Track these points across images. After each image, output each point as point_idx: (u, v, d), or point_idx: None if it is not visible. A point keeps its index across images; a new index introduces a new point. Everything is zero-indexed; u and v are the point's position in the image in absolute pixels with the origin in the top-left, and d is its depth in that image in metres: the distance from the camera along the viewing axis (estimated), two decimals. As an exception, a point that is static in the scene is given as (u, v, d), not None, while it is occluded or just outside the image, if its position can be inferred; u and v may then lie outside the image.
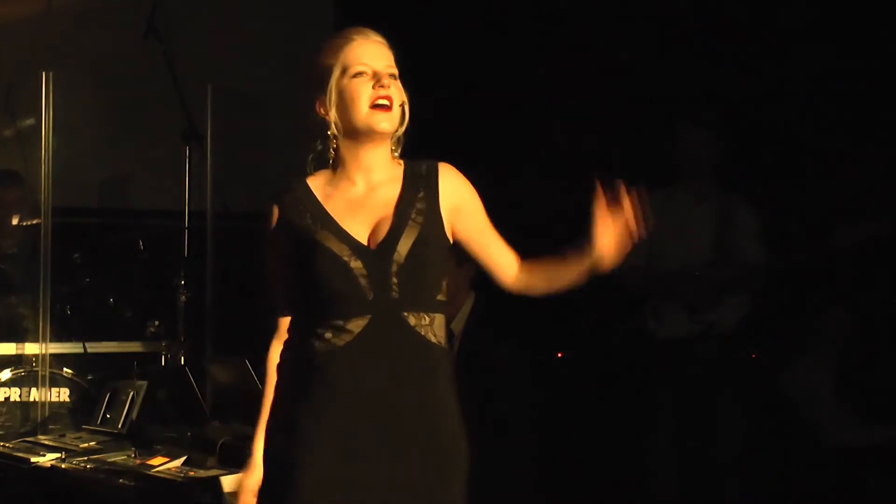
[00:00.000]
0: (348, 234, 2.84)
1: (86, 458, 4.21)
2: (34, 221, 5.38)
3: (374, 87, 2.84)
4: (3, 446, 4.59)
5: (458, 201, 2.97)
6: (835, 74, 5.68)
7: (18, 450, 4.49)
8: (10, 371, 5.25)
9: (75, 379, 5.29)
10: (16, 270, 5.59)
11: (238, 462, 3.85)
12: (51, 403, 5.17)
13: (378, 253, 2.83)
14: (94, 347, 5.47)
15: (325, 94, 2.87)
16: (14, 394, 5.24)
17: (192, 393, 4.90)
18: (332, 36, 2.94)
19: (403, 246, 2.84)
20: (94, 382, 5.27)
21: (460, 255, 4.25)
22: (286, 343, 2.92)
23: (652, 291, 5.49)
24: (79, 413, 5.13)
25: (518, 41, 6.45)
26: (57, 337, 5.29)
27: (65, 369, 5.29)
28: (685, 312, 5.39)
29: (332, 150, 2.89)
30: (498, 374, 4.61)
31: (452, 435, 2.91)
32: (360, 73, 2.85)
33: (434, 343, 2.87)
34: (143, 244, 5.68)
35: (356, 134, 2.87)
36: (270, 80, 6.81)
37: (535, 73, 6.36)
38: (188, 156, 5.92)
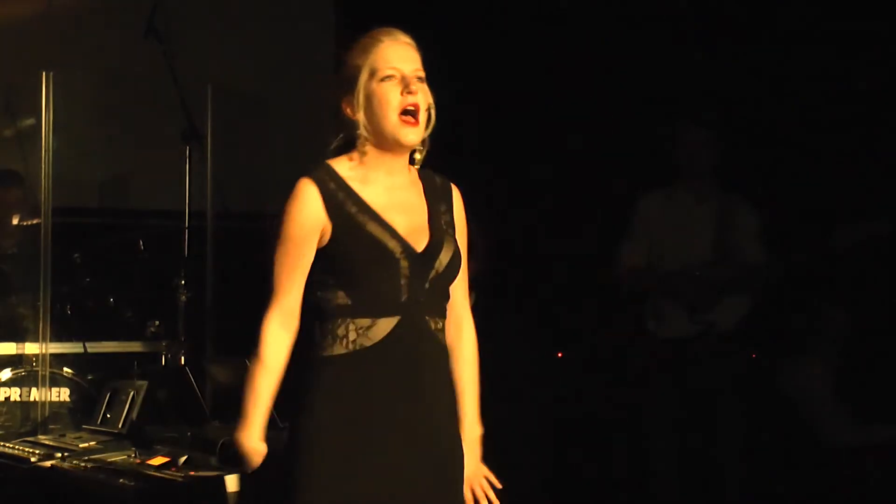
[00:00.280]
0: (396, 231, 2.86)
1: (86, 458, 4.21)
2: (34, 221, 5.37)
3: (402, 93, 2.86)
4: (4, 446, 4.58)
5: (460, 227, 3.01)
6: (835, 74, 5.68)
7: (19, 450, 4.48)
8: (11, 371, 5.25)
9: (75, 379, 5.29)
10: (16, 270, 5.59)
11: (239, 462, 3.86)
12: (51, 403, 5.16)
13: (424, 257, 2.87)
14: (95, 347, 5.47)
15: (353, 96, 2.88)
16: (14, 393, 5.24)
17: (193, 393, 4.90)
18: (361, 35, 2.95)
19: (445, 256, 2.90)
20: (94, 382, 5.27)
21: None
22: (305, 342, 2.90)
23: (652, 291, 5.49)
24: (79, 413, 5.13)
25: (518, 41, 6.45)
26: (57, 337, 5.29)
27: (65, 369, 5.29)
28: (685, 312, 5.39)
29: (361, 149, 2.89)
30: (498, 375, 4.61)
31: (458, 435, 2.97)
32: (388, 77, 2.87)
33: (445, 346, 2.93)
34: (143, 244, 5.67)
35: (383, 139, 2.88)
36: (271, 80, 6.82)
37: (534, 73, 6.36)
38: (188, 156, 5.92)
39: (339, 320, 2.82)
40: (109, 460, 4.15)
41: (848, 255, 5.24)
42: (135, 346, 5.42)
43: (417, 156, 2.94)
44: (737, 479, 5.38)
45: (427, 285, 2.86)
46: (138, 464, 4.03)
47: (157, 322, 5.37)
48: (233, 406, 4.47)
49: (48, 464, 4.26)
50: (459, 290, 3.02)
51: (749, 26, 5.92)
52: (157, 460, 4.01)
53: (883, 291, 5.67)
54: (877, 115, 5.58)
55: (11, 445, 4.57)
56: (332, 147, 2.94)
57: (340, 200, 2.85)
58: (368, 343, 2.81)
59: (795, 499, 5.49)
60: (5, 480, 4.41)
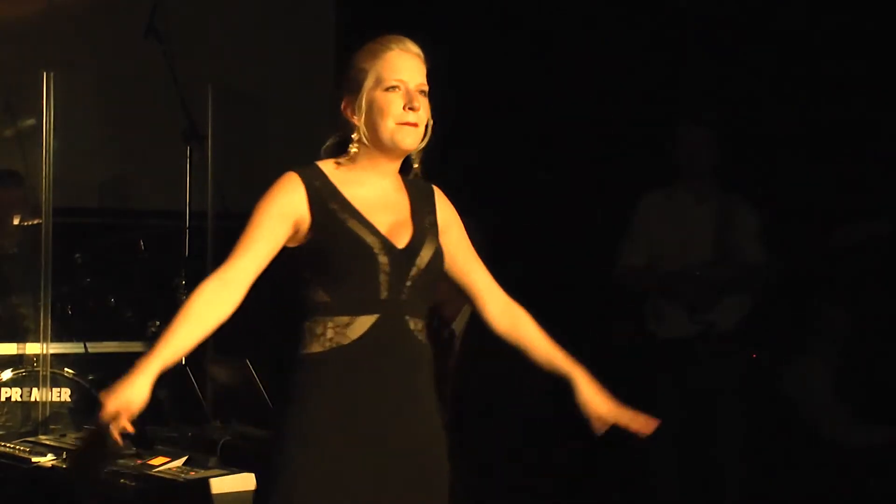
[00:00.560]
0: (377, 228, 2.86)
1: (86, 458, 4.20)
2: (35, 221, 5.37)
3: (404, 107, 2.87)
4: (4, 446, 4.58)
5: (447, 227, 3.01)
6: (835, 74, 5.68)
7: (19, 450, 4.48)
8: (11, 371, 5.24)
9: (76, 379, 5.29)
10: (16, 270, 5.59)
11: (240, 462, 3.86)
12: (52, 403, 5.16)
13: (405, 253, 2.86)
14: (95, 347, 5.47)
15: (355, 99, 2.89)
16: (15, 394, 5.24)
17: (193, 393, 4.90)
18: (370, 40, 2.95)
19: (426, 253, 2.90)
20: (95, 382, 5.27)
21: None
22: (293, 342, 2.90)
23: (652, 291, 5.49)
24: (80, 413, 5.12)
25: (518, 41, 6.46)
26: (58, 337, 5.28)
27: (66, 369, 5.28)
28: (685, 312, 5.39)
29: (354, 151, 2.90)
30: (498, 375, 4.61)
31: (441, 436, 2.95)
32: (393, 88, 2.87)
33: (427, 346, 2.91)
34: (143, 244, 5.67)
35: (380, 144, 2.89)
36: (271, 80, 6.82)
37: (535, 73, 6.37)
38: (189, 156, 5.92)
39: (319, 318, 2.82)
40: (110, 460, 4.14)
41: (848, 255, 5.25)
42: (136, 346, 5.42)
43: (416, 165, 2.95)
44: (737, 479, 5.38)
45: (409, 283, 2.85)
46: (139, 464, 4.03)
47: (157, 322, 5.37)
48: (233, 406, 4.49)
49: (49, 464, 4.26)
50: (487, 279, 3.05)
51: (749, 26, 5.93)
52: (158, 460, 4.01)
53: (883, 291, 5.67)
54: (877, 115, 5.58)
55: (12, 445, 4.56)
56: (327, 146, 2.96)
57: (323, 197, 2.85)
58: (346, 341, 2.80)
59: (795, 499, 5.50)
60: (6, 480, 4.41)
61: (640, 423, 3.16)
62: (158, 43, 6.05)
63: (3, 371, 5.24)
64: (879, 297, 5.67)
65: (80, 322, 5.55)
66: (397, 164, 2.95)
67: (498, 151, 6.39)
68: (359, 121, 2.88)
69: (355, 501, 2.79)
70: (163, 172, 6.39)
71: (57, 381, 5.23)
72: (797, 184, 5.74)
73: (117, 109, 6.65)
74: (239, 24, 6.98)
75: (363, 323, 2.81)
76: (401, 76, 2.88)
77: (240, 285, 2.81)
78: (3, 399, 5.23)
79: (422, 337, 2.89)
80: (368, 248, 2.82)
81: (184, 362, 5.24)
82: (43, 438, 4.65)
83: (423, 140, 2.92)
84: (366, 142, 2.89)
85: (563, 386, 3.14)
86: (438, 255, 2.92)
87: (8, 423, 5.15)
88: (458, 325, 4.77)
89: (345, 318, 2.81)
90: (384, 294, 2.82)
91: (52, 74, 5.25)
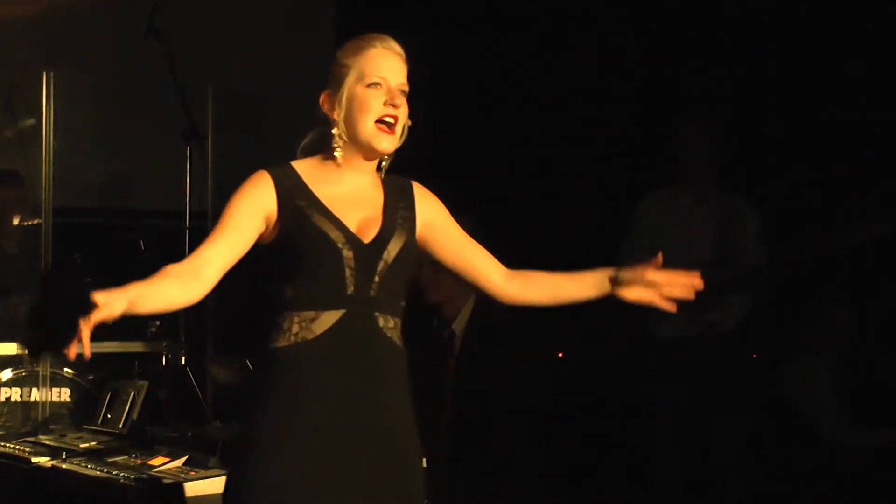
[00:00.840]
0: (343, 223, 2.85)
1: (86, 458, 4.21)
2: (35, 221, 5.37)
3: (384, 104, 2.87)
4: (4, 446, 4.58)
5: (432, 217, 3.01)
6: (835, 74, 5.68)
7: (19, 450, 4.48)
8: (11, 371, 5.24)
9: (76, 379, 5.29)
10: (16, 270, 5.59)
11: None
12: (52, 403, 5.16)
13: (370, 247, 2.85)
14: (95, 347, 5.43)
15: (335, 94, 2.90)
16: (15, 394, 5.23)
17: (193, 393, 4.90)
18: (355, 37, 2.95)
19: (394, 247, 2.88)
20: (94, 382, 5.26)
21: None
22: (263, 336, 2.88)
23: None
24: (80, 413, 5.12)
25: (518, 41, 6.45)
26: (58, 337, 5.27)
27: (66, 369, 5.28)
28: (685, 312, 5.39)
29: (334, 147, 2.90)
30: (499, 375, 4.62)
31: (412, 436, 2.92)
32: (375, 84, 2.88)
33: (399, 347, 2.89)
34: (143, 244, 5.67)
35: (356, 142, 2.90)
36: (271, 79, 6.82)
37: (536, 73, 6.36)
38: (189, 156, 5.91)
39: (286, 313, 2.82)
40: (110, 460, 4.15)
41: (848, 256, 5.25)
42: (135, 347, 5.41)
43: (384, 164, 2.95)
44: (737, 479, 5.38)
45: (377, 279, 2.84)
46: (139, 464, 4.03)
47: (157, 322, 5.36)
48: (233, 406, 4.49)
49: (49, 464, 4.26)
50: (486, 257, 3.03)
51: (749, 26, 5.93)
52: (158, 460, 4.00)
53: (883, 291, 5.67)
54: (877, 115, 5.58)
55: (12, 445, 4.56)
56: (304, 144, 2.97)
57: (292, 194, 2.86)
58: (310, 336, 2.79)
59: (796, 499, 5.50)
60: (6, 480, 4.41)
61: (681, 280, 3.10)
62: (158, 43, 6.04)
63: (2, 371, 5.24)
64: (879, 298, 5.67)
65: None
66: (373, 163, 2.95)
67: (498, 151, 6.39)
68: (338, 116, 2.89)
69: (318, 497, 2.77)
70: (163, 172, 6.39)
71: (57, 381, 5.22)
72: (797, 184, 5.74)
73: (118, 109, 6.65)
74: (239, 24, 6.99)
75: (328, 318, 2.80)
76: (383, 73, 2.88)
77: (196, 276, 2.78)
78: (2, 399, 5.23)
79: (393, 335, 2.87)
80: (332, 242, 2.81)
81: (184, 362, 5.24)
82: (43, 438, 4.65)
83: (398, 141, 2.92)
84: (344, 137, 2.89)
85: (607, 296, 3.08)
86: (408, 249, 2.91)
87: (8, 423, 5.15)
88: (458, 325, 4.77)
89: (310, 313, 2.80)
90: (350, 290, 2.81)
91: (52, 74, 5.25)
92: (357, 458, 2.80)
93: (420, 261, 3.01)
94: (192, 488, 3.72)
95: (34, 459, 4.31)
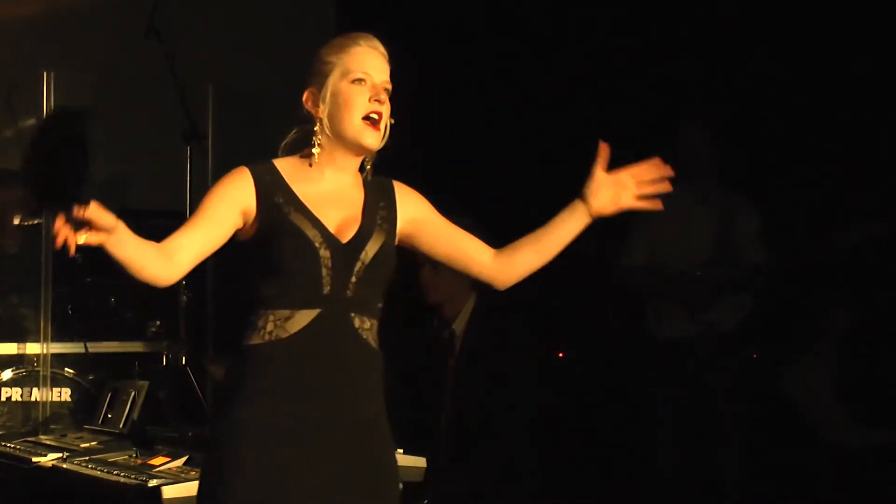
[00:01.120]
0: (321, 222, 2.85)
1: (87, 458, 4.21)
2: (35, 221, 5.37)
3: (370, 100, 2.87)
4: (5, 446, 4.58)
5: (414, 213, 3.00)
6: (835, 74, 5.68)
7: (20, 450, 4.49)
8: (12, 371, 5.24)
9: (76, 379, 5.28)
10: (17, 270, 5.59)
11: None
12: (52, 403, 5.16)
13: (348, 248, 2.85)
14: (96, 347, 5.46)
15: (319, 91, 2.90)
16: (15, 394, 5.23)
17: (194, 393, 4.89)
18: (339, 35, 2.95)
19: (372, 247, 2.88)
20: (95, 382, 5.26)
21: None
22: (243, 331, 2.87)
23: (652, 291, 5.49)
24: (80, 413, 5.12)
25: (518, 41, 6.45)
26: (58, 337, 5.28)
27: (66, 369, 5.28)
28: (685, 312, 5.40)
29: (315, 145, 2.90)
30: (499, 374, 4.62)
31: (385, 438, 2.92)
32: (359, 80, 2.88)
33: (375, 349, 2.89)
34: (144, 244, 5.66)
35: (341, 139, 2.89)
36: (272, 79, 6.80)
37: (536, 72, 6.36)
38: (189, 156, 5.91)
39: (262, 311, 2.82)
40: (111, 460, 4.15)
41: (848, 255, 5.25)
42: (136, 346, 5.42)
43: (367, 166, 2.95)
44: (737, 480, 5.39)
45: (353, 279, 2.83)
46: (139, 464, 4.03)
47: (158, 322, 5.36)
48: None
49: (49, 464, 4.26)
50: (474, 242, 3.04)
51: (749, 26, 5.93)
52: (159, 460, 4.01)
53: (883, 292, 5.67)
54: (877, 115, 5.58)
55: (13, 445, 4.56)
56: (286, 142, 2.97)
57: (271, 191, 2.86)
58: (285, 335, 2.79)
59: (795, 499, 5.50)
60: (6, 480, 4.41)
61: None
62: (159, 43, 6.04)
63: (3, 371, 5.23)
64: (879, 298, 5.68)
65: (81, 322, 5.54)
66: (356, 161, 2.94)
67: (498, 151, 6.39)
68: (322, 112, 2.89)
69: (288, 496, 2.76)
70: (163, 172, 6.38)
71: (57, 381, 5.22)
72: (797, 184, 5.75)
73: (117, 109, 6.65)
74: (239, 25, 6.98)
75: (304, 317, 2.80)
76: (367, 70, 2.88)
77: (176, 259, 2.80)
78: (3, 399, 5.23)
79: (368, 336, 2.86)
80: (309, 241, 2.81)
81: (184, 362, 5.25)
82: (43, 438, 4.65)
83: (383, 140, 2.91)
84: (327, 133, 2.89)
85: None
86: (386, 250, 2.90)
87: (8, 423, 5.15)
88: (459, 325, 4.78)
89: (286, 312, 2.80)
90: (326, 289, 2.81)
91: (52, 74, 5.25)
92: (328, 458, 2.79)
93: (420, 261, 3.02)
94: (192, 488, 3.71)
95: (34, 459, 4.31)
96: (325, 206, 2.87)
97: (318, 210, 2.86)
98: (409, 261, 3.23)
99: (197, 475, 3.79)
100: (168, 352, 5.33)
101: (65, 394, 5.25)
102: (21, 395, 5.23)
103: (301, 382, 2.79)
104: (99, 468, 4.05)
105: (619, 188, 3.08)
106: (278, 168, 2.91)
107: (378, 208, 2.94)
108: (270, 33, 6.97)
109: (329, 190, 2.90)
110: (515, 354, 4.67)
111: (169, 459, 3.99)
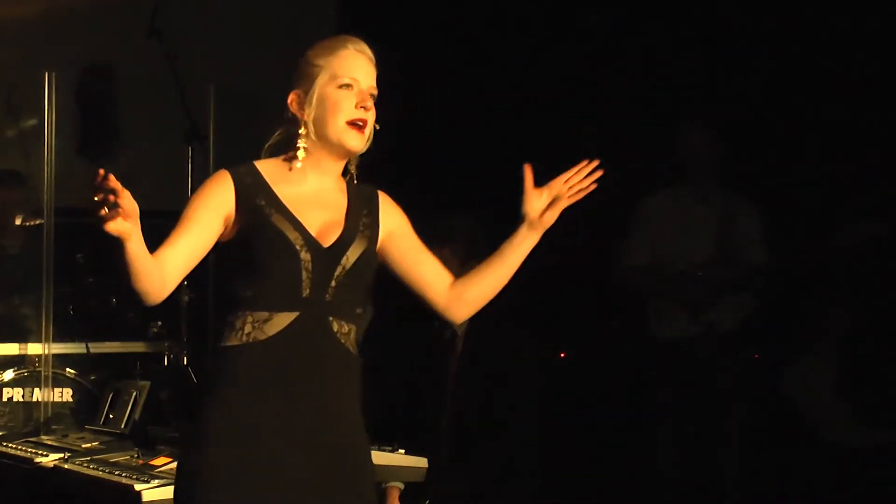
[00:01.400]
0: (302, 225, 2.84)
1: (88, 458, 4.22)
2: (37, 222, 5.38)
3: (356, 106, 2.87)
4: (6, 446, 4.59)
5: (394, 227, 2.99)
6: (835, 74, 5.69)
7: (21, 450, 4.49)
8: (13, 371, 5.25)
9: (78, 379, 5.29)
10: (18, 271, 5.60)
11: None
12: (54, 403, 5.17)
13: (329, 252, 2.84)
14: (97, 348, 5.47)
15: (306, 94, 2.89)
16: (17, 394, 5.24)
17: (194, 393, 4.90)
18: (327, 38, 2.96)
19: (353, 253, 2.87)
20: (96, 383, 5.27)
21: (466, 253, 4.28)
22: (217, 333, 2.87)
23: (653, 291, 5.50)
24: (81, 413, 5.13)
25: (518, 41, 6.46)
26: (60, 337, 5.29)
27: (67, 369, 5.29)
28: (686, 312, 5.40)
29: (300, 147, 2.89)
30: (500, 375, 4.62)
31: (360, 443, 2.91)
32: (346, 85, 2.88)
33: (353, 354, 2.88)
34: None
35: (325, 142, 2.89)
36: (273, 80, 6.80)
37: (537, 72, 6.37)
38: (190, 156, 5.91)
39: (240, 312, 2.80)
40: (112, 460, 4.15)
41: (848, 255, 5.26)
42: (137, 347, 5.42)
43: (352, 169, 2.95)
44: (737, 479, 5.39)
45: (333, 283, 2.82)
46: (141, 464, 4.04)
47: (159, 322, 5.37)
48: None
49: (51, 464, 4.27)
50: (437, 268, 3.02)
51: (749, 26, 5.93)
52: (160, 460, 4.01)
53: (883, 291, 5.68)
54: (876, 115, 5.59)
55: (14, 446, 4.57)
56: (270, 143, 2.96)
57: (252, 193, 2.85)
58: (262, 337, 2.78)
59: (795, 499, 5.51)
60: (8, 481, 4.42)
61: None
62: (160, 43, 6.05)
63: (5, 371, 5.24)
64: (879, 297, 5.68)
65: (82, 322, 5.55)
66: (340, 165, 2.94)
67: (498, 150, 6.40)
68: (307, 115, 2.88)
69: (261, 498, 2.75)
70: (164, 173, 6.39)
71: (59, 382, 5.23)
72: (797, 184, 5.75)
73: (119, 110, 6.65)
74: (240, 25, 6.98)
75: (282, 320, 2.79)
76: (355, 75, 2.88)
77: (163, 267, 2.81)
78: (4, 399, 5.23)
79: (347, 341, 2.86)
80: (290, 243, 2.80)
81: (185, 362, 5.25)
82: (45, 438, 4.66)
83: (367, 143, 2.91)
84: (312, 136, 2.88)
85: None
86: (368, 256, 2.89)
87: (10, 424, 5.15)
88: (460, 325, 4.78)
89: (264, 314, 2.79)
90: (306, 292, 2.80)
91: (53, 74, 5.26)
92: (301, 462, 2.79)
93: None
94: (149, 495, 3.72)
95: (36, 460, 4.31)
96: (306, 209, 2.87)
97: (300, 212, 2.85)
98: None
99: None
100: (169, 352, 5.34)
101: (66, 394, 5.26)
102: (23, 396, 5.24)
103: (278, 385, 2.79)
104: (100, 469, 4.06)
105: (551, 197, 3.16)
106: (260, 170, 2.91)
107: (361, 214, 2.93)
108: (271, 34, 6.97)
109: (311, 192, 2.90)
110: (516, 355, 4.68)
111: (170, 460, 3.99)
